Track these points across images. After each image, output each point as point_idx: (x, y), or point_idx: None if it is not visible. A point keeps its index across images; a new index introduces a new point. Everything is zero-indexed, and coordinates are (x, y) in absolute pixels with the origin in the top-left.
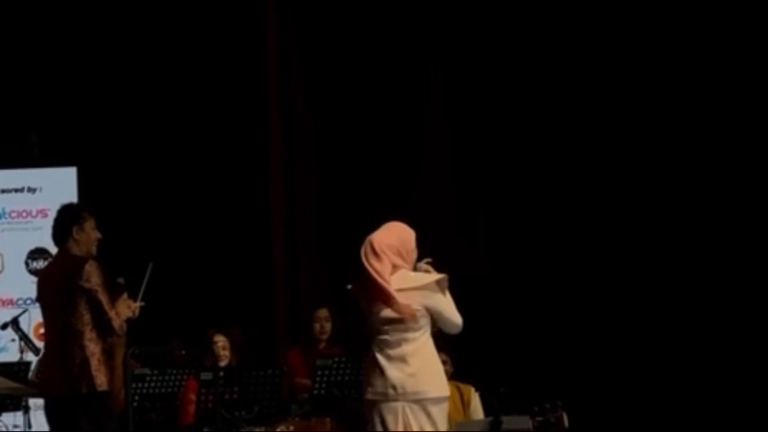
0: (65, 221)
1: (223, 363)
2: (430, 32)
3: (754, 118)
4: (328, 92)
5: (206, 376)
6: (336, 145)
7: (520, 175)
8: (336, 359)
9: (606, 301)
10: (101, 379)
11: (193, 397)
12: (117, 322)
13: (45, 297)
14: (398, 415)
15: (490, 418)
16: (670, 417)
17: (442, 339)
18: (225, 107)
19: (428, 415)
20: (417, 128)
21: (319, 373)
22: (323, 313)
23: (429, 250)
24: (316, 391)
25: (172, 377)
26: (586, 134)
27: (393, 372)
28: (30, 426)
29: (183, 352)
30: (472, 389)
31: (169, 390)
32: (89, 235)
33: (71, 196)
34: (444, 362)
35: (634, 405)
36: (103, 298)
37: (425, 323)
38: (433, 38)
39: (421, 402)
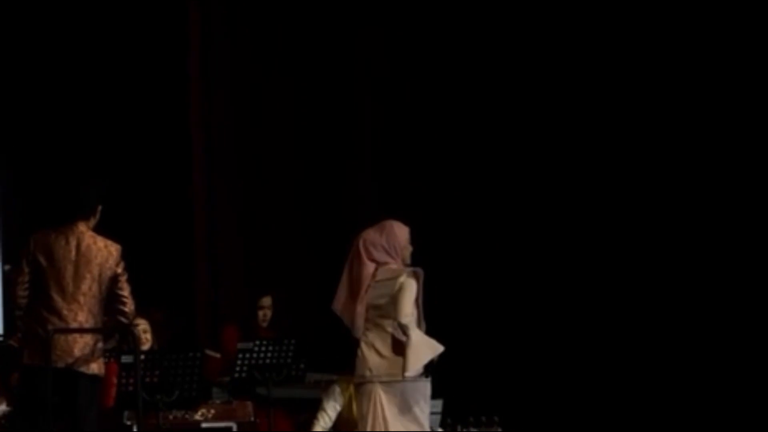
0: (94, 196)
1: (144, 347)
2: (362, 32)
3: (754, 118)
4: (251, 89)
5: (127, 359)
6: (257, 133)
7: (463, 178)
8: (257, 343)
9: (568, 310)
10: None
11: (114, 380)
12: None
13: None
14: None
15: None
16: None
17: None
18: (147, 105)
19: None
20: (344, 128)
21: (240, 356)
22: (266, 301)
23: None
24: (237, 374)
25: None
26: (562, 135)
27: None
28: None
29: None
30: None
31: None
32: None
33: None
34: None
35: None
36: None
37: None
38: (365, 38)
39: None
